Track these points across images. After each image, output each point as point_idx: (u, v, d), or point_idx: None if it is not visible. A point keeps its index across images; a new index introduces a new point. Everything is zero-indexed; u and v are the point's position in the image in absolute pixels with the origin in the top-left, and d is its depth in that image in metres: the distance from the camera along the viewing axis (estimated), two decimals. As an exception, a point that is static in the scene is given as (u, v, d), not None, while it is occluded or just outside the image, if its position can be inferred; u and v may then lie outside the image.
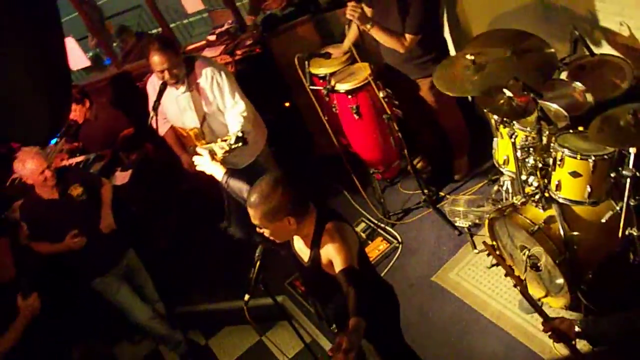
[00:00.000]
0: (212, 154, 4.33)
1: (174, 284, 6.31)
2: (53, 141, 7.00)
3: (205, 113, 5.24)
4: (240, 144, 4.42)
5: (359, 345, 2.83)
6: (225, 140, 4.45)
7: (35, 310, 4.64)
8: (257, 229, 3.44)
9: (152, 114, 5.16)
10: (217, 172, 4.12)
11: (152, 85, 5.37)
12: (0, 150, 7.11)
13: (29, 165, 5.01)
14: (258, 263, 3.86)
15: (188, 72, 5.17)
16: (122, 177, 6.08)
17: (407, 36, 5.04)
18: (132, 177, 6.07)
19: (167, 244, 6.38)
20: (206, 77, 5.16)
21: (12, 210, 6.06)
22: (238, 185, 3.94)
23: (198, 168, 4.27)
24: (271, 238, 3.48)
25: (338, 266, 3.21)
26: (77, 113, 6.59)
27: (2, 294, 4.84)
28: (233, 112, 5.14)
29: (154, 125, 5.21)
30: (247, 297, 3.88)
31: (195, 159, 4.27)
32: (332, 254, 3.29)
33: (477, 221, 5.33)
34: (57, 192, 5.21)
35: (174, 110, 5.33)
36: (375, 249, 5.65)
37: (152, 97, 5.36)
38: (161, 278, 6.06)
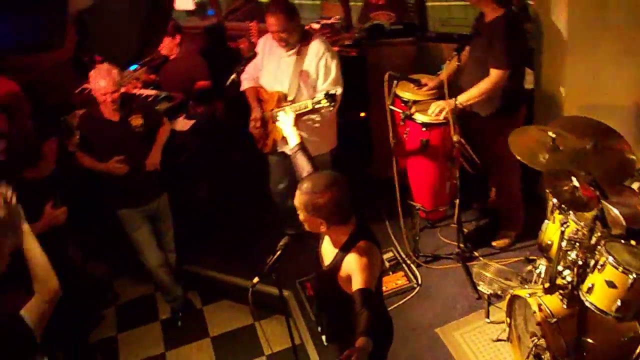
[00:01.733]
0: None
1: (192, 241, 6.38)
2: (134, 67, 7.11)
3: (300, 84, 5.27)
4: (328, 103, 4.43)
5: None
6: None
7: (58, 222, 4.72)
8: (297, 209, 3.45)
9: (234, 75, 5.23)
10: (292, 138, 4.15)
11: (264, 42, 5.49)
12: (83, 58, 7.26)
13: (101, 83, 5.08)
14: (279, 252, 3.88)
15: (302, 41, 5.25)
16: (183, 124, 6.14)
17: (492, 71, 5.02)
18: (193, 128, 6.12)
19: (202, 203, 6.41)
20: (317, 52, 5.22)
21: (72, 116, 6.17)
22: (302, 162, 3.99)
23: (278, 124, 4.34)
24: (303, 223, 3.49)
25: (357, 284, 3.18)
26: (166, 45, 6.67)
27: (35, 191, 4.94)
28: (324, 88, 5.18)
29: (232, 86, 5.29)
30: (256, 279, 3.89)
31: (280, 114, 4.31)
32: (354, 271, 3.26)
33: (499, 292, 5.26)
34: (119, 115, 5.28)
35: (272, 69, 5.40)
36: (394, 282, 5.61)
37: (259, 55, 5.48)
38: (183, 231, 6.13)
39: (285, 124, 4.26)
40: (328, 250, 3.60)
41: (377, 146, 6.55)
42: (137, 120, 5.34)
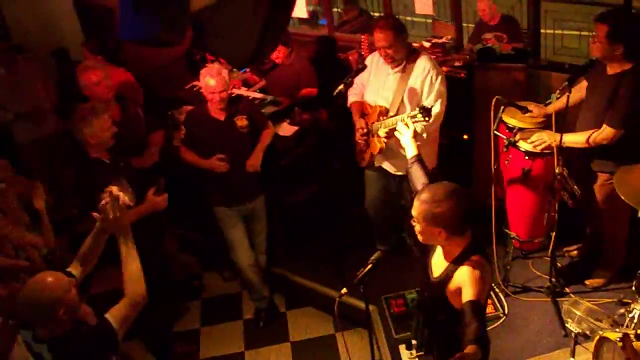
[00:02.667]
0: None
1: (284, 244, 6.46)
2: (242, 69, 7.27)
3: (403, 100, 5.27)
4: (422, 117, 4.44)
5: None
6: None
7: (159, 208, 4.88)
8: (412, 220, 3.45)
9: (341, 86, 5.27)
10: (410, 149, 4.18)
11: (372, 59, 5.51)
12: (195, 56, 7.47)
13: (211, 82, 5.21)
14: (370, 265, 3.90)
15: (408, 58, 5.26)
16: (287, 129, 6.21)
17: (605, 127, 4.87)
18: (296, 134, 6.18)
19: (298, 208, 6.47)
20: (423, 69, 5.22)
21: (179, 112, 6.35)
22: (418, 174, 3.99)
23: (396, 134, 4.37)
24: (417, 234, 3.48)
25: (468, 296, 3.19)
26: (278, 54, 6.80)
27: (139, 178, 5.11)
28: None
29: (338, 96, 5.33)
30: (344, 290, 3.92)
31: (399, 125, 4.33)
32: (466, 284, 3.27)
33: (587, 332, 5.10)
34: (225, 115, 5.41)
35: (377, 85, 5.41)
36: (480, 308, 5.53)
37: (366, 70, 5.51)
38: (276, 233, 6.23)
39: (404, 135, 4.27)
40: (438, 262, 3.59)
41: (477, 170, 6.47)
42: (242, 121, 5.45)
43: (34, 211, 5.26)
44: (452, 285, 3.39)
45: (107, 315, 3.44)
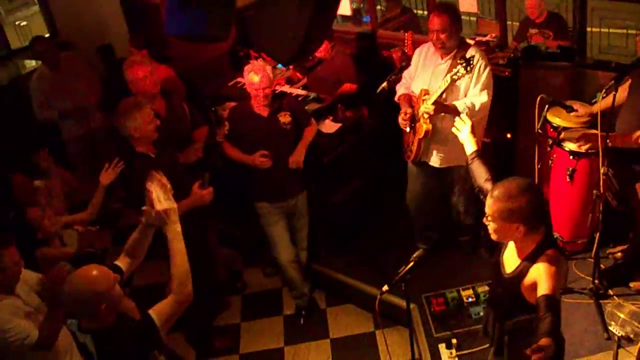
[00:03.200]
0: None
1: (325, 241, 6.47)
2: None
3: (449, 86, 5.20)
4: (464, 70, 4.44)
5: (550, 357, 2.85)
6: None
7: (204, 202, 4.93)
8: (485, 219, 3.46)
9: (385, 83, 5.27)
10: (469, 145, 4.17)
11: (420, 51, 5.50)
12: (239, 52, 7.52)
13: (254, 78, 5.24)
14: (412, 263, 3.91)
15: (458, 49, 5.24)
16: (330, 126, 6.22)
17: None
18: (339, 131, 6.19)
19: (340, 206, 6.48)
20: (473, 57, 5.16)
21: (223, 108, 6.40)
22: (480, 170, 3.98)
23: (453, 130, 4.33)
24: (491, 233, 3.48)
25: (543, 290, 3.20)
26: (321, 50, 6.80)
27: (185, 173, 5.16)
28: (474, 96, 5.16)
29: (381, 93, 5.33)
30: (385, 287, 3.94)
31: (457, 121, 4.32)
32: (541, 278, 3.27)
33: (631, 336, 5.05)
34: (268, 111, 5.43)
35: (426, 75, 5.39)
36: (520, 309, 5.49)
37: (412, 64, 5.52)
38: (317, 230, 6.25)
39: (462, 132, 4.26)
40: (511, 259, 3.59)
41: (520, 170, 6.42)
42: (285, 118, 5.47)
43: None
44: (528, 280, 3.39)
45: (150, 312, 3.47)
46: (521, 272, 3.44)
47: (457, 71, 4.72)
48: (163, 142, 5.03)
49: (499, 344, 3.88)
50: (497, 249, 3.76)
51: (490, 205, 3.38)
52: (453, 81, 4.94)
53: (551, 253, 3.37)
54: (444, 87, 5.03)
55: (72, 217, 5.36)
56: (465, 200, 5.75)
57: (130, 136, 4.87)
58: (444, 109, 5.12)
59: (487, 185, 3.82)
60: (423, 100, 5.26)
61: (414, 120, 5.41)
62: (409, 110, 5.39)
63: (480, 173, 3.96)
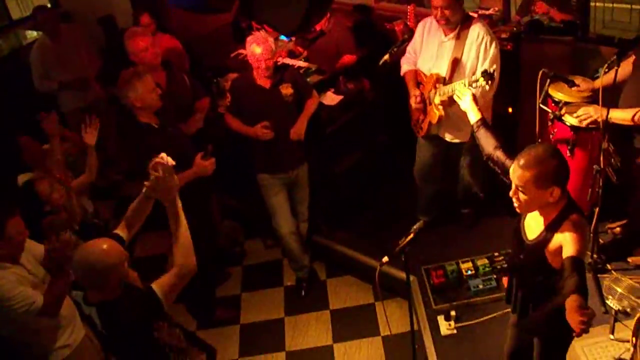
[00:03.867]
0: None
1: (326, 213, 6.49)
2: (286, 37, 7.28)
3: (458, 67, 5.24)
4: (485, 82, 4.41)
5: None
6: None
7: (207, 173, 4.95)
8: (512, 193, 3.45)
9: (386, 56, 5.26)
10: (472, 114, 4.19)
11: (423, 26, 5.47)
12: (242, 24, 7.50)
13: (257, 49, 5.22)
14: (412, 235, 3.93)
15: (462, 25, 5.22)
16: (331, 98, 6.22)
17: None
18: (340, 103, 6.19)
19: (340, 177, 6.50)
20: (478, 35, 5.17)
21: (225, 79, 6.40)
22: (487, 138, 4.00)
23: (455, 98, 4.39)
24: (516, 205, 3.49)
25: (569, 253, 3.23)
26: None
27: (186, 144, 5.17)
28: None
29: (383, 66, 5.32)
30: (385, 258, 3.96)
31: (459, 89, 4.36)
32: (567, 241, 3.30)
33: (628, 310, 5.08)
34: (270, 83, 5.41)
35: (430, 53, 5.39)
36: (520, 282, 5.51)
37: (416, 39, 5.50)
38: (318, 202, 6.27)
39: (464, 100, 4.27)
40: (533, 225, 3.62)
41: (522, 144, 6.37)
42: (287, 89, 5.46)
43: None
44: (553, 245, 3.42)
45: (153, 285, 3.50)
46: (545, 238, 3.47)
47: (478, 81, 4.67)
48: (164, 113, 5.02)
49: (523, 310, 3.92)
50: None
51: (520, 176, 3.35)
52: (469, 87, 4.87)
53: (575, 217, 3.39)
54: (459, 89, 4.98)
55: (74, 181, 5.38)
56: (474, 171, 5.76)
57: (133, 106, 4.87)
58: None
59: (497, 153, 3.85)
60: (435, 87, 5.27)
61: (424, 100, 5.41)
62: (418, 93, 5.40)
63: (487, 141, 3.97)
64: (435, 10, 5.17)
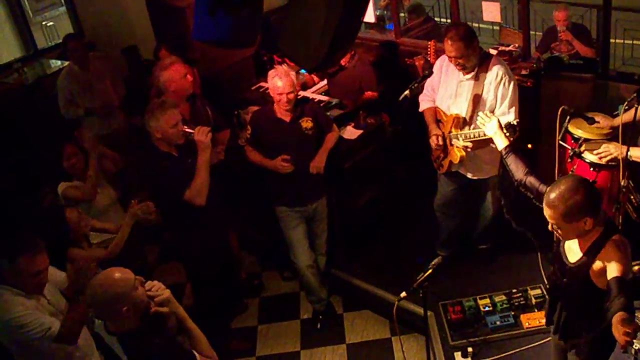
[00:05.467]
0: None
1: (344, 247, 6.47)
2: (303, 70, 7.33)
3: (476, 107, 5.25)
4: (508, 134, 4.43)
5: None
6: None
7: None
8: (550, 227, 3.53)
9: (407, 91, 5.30)
10: (499, 141, 4.25)
11: (441, 63, 5.51)
12: (263, 57, 7.57)
13: (278, 83, 5.26)
14: (430, 270, 3.93)
15: (480, 64, 5.24)
16: (351, 132, 6.23)
17: None
18: (360, 138, 6.21)
19: (360, 211, 6.50)
20: (496, 75, 5.20)
21: (245, 112, 6.45)
22: (518, 163, 4.04)
23: (479, 123, 4.45)
24: (560, 236, 3.59)
25: (614, 273, 3.28)
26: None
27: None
28: (502, 120, 5.15)
29: (403, 101, 5.36)
30: (404, 293, 3.96)
31: (480, 118, 4.42)
32: (611, 262, 3.36)
33: (648, 350, 5.03)
34: (290, 116, 5.45)
35: (449, 92, 5.42)
36: (538, 319, 5.43)
37: (435, 75, 5.54)
38: (337, 235, 6.27)
39: (490, 127, 4.34)
40: (574, 248, 3.67)
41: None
42: (307, 123, 5.50)
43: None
44: (596, 267, 3.46)
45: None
46: (588, 262, 3.51)
47: (505, 128, 4.70)
48: (186, 144, 5.07)
49: (568, 331, 3.97)
50: (552, 242, 3.83)
51: (550, 215, 3.45)
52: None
53: (617, 238, 3.46)
54: (479, 135, 5.04)
55: (102, 225, 5.46)
56: (498, 205, 5.75)
57: (152, 135, 4.94)
58: (478, 143, 5.19)
59: (529, 179, 3.91)
60: (456, 128, 5.31)
61: (444, 139, 5.44)
62: (440, 133, 5.44)
63: (518, 167, 4.02)
64: (450, 60, 5.24)
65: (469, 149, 5.26)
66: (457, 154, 5.35)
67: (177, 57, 5.93)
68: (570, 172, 5.39)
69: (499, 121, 4.34)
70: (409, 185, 6.81)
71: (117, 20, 8.45)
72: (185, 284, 6.20)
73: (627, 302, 3.08)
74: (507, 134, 4.37)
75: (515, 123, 4.58)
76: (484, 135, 4.69)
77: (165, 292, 3.56)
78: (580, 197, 3.34)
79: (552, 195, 3.41)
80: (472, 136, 5.15)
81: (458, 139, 5.23)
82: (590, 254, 3.50)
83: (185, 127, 4.97)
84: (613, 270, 3.29)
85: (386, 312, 5.80)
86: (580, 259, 3.58)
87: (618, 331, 2.93)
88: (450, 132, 5.37)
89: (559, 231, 3.50)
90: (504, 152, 4.16)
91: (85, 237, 5.12)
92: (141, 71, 7.91)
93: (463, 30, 5.13)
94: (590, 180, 5.12)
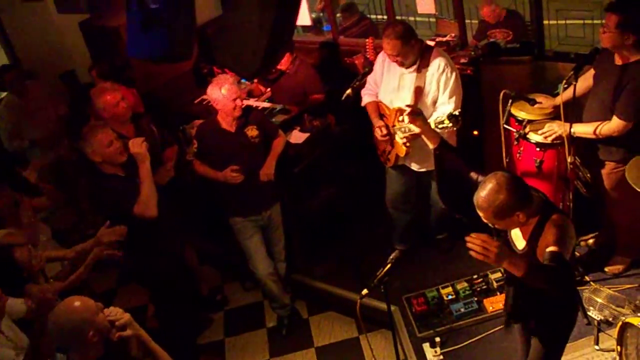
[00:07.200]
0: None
1: (303, 251, 6.46)
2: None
3: (419, 100, 5.27)
4: (451, 124, 4.46)
5: (501, 260, 3.09)
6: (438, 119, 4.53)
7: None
8: (490, 224, 3.57)
9: (349, 90, 5.32)
10: (429, 142, 4.24)
11: (383, 57, 5.52)
12: (203, 70, 7.53)
13: (224, 91, 5.22)
14: (389, 265, 3.95)
15: (422, 57, 5.28)
16: (298, 136, 6.23)
17: (615, 119, 4.84)
18: (307, 141, 6.21)
19: (314, 214, 6.50)
20: (438, 67, 5.24)
21: (190, 126, 6.40)
22: (451, 159, 4.17)
23: (409, 120, 4.37)
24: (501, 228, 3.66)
25: (549, 248, 3.34)
26: (283, 63, 6.83)
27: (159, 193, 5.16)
28: (442, 109, 5.18)
29: (347, 100, 5.37)
30: (365, 291, 3.97)
31: (408, 114, 4.36)
32: (549, 239, 3.41)
33: (610, 319, 5.11)
34: (235, 126, 5.42)
35: (392, 86, 5.44)
36: (500, 303, 5.48)
37: (376, 70, 5.56)
38: (294, 241, 6.27)
39: (422, 126, 4.30)
40: (520, 235, 3.72)
41: (489, 165, 6.49)
42: (252, 131, 5.47)
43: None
44: (540, 250, 3.50)
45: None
46: (532, 247, 3.57)
47: (443, 122, 4.71)
48: (131, 163, 5.01)
49: (517, 313, 4.06)
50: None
51: (483, 216, 3.51)
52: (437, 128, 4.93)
53: (555, 217, 3.50)
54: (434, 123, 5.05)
55: (57, 253, 5.33)
56: None
57: (93, 160, 4.88)
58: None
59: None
60: (399, 121, 5.30)
61: (389, 132, 5.46)
62: (382, 124, 5.45)
63: (452, 162, 4.14)
64: (389, 57, 5.27)
65: (408, 144, 5.26)
66: (402, 148, 5.38)
67: (111, 81, 5.87)
68: (517, 154, 5.47)
69: (424, 119, 4.34)
70: (362, 182, 6.82)
71: (53, 46, 8.30)
72: (148, 306, 6.13)
73: (554, 271, 3.19)
74: (450, 125, 4.40)
75: (457, 113, 4.61)
76: (448, 120, 4.70)
77: (124, 316, 3.52)
78: (504, 196, 3.39)
79: (479, 199, 3.46)
80: (411, 129, 5.14)
81: (401, 132, 5.24)
82: (533, 240, 3.56)
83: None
84: (550, 245, 3.36)
85: (351, 311, 5.77)
86: (525, 247, 3.64)
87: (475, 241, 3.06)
88: (394, 125, 5.39)
89: (497, 226, 3.57)
90: (436, 151, 4.19)
91: (42, 272, 5.01)
92: (81, 95, 7.80)
93: (400, 29, 5.16)
94: (538, 160, 5.28)
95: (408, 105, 4.57)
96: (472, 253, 3.11)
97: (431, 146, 4.22)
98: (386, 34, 5.16)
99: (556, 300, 3.80)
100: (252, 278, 6.18)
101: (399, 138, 5.21)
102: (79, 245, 5.00)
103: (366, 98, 5.63)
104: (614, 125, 4.84)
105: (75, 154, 7.31)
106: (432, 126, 4.53)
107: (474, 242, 3.08)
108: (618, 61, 4.87)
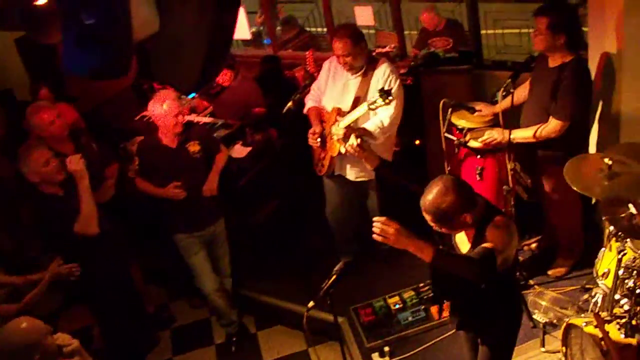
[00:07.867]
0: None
1: (249, 265, 6.42)
2: (190, 95, 7.26)
3: (362, 101, 5.26)
4: (382, 101, 4.47)
5: (404, 242, 3.24)
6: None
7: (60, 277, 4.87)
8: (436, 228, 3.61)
9: (290, 103, 5.32)
10: (370, 163, 4.28)
11: (330, 64, 5.55)
12: (143, 86, 7.44)
13: (165, 106, 5.17)
14: (334, 277, 3.93)
15: (369, 65, 5.33)
16: (240, 151, 6.22)
17: (552, 120, 4.94)
18: (249, 155, 6.20)
19: (258, 228, 6.48)
20: (384, 72, 5.28)
21: (131, 143, 6.32)
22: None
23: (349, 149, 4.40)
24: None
25: (483, 244, 3.39)
26: (224, 77, 6.81)
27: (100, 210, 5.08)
28: (383, 113, 5.20)
29: (287, 113, 5.38)
30: (311, 303, 3.95)
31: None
32: (490, 239, 3.43)
33: (555, 321, 5.18)
34: (177, 141, 5.37)
35: (337, 90, 5.46)
36: (447, 310, 5.50)
37: (322, 76, 5.59)
38: (239, 255, 6.21)
39: (362, 151, 4.34)
40: (464, 239, 3.74)
41: (432, 173, 6.53)
42: (194, 147, 5.43)
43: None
44: None
45: None
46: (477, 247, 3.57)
47: (375, 102, 4.76)
48: (71, 182, 4.94)
49: (463, 320, 4.12)
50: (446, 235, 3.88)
51: (430, 219, 3.54)
52: (370, 110, 4.98)
53: (499, 219, 3.55)
54: (359, 114, 5.07)
55: (6, 279, 5.21)
56: (381, 209, 5.81)
57: (31, 181, 4.80)
58: (355, 132, 5.18)
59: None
60: (336, 120, 5.31)
61: (324, 136, 5.46)
62: (318, 130, 5.45)
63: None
64: (337, 57, 5.29)
65: (347, 138, 5.25)
66: (336, 146, 5.36)
67: (50, 99, 5.77)
68: (459, 163, 5.53)
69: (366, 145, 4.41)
70: (306, 194, 6.82)
71: (-13, 64, 8.16)
72: (93, 327, 6.02)
73: (474, 263, 3.29)
74: (382, 101, 4.50)
75: (387, 88, 4.67)
76: (381, 97, 4.74)
77: (73, 342, 3.46)
78: (450, 198, 3.43)
79: (426, 202, 3.49)
80: (353, 117, 5.16)
81: (339, 126, 5.21)
82: (477, 242, 3.57)
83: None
84: (487, 243, 3.41)
85: (299, 324, 5.76)
86: (469, 250, 3.66)
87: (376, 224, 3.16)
88: (332, 125, 5.38)
89: (443, 230, 3.61)
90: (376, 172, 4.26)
91: None
92: (19, 114, 7.65)
93: (350, 29, 5.26)
94: (479, 168, 5.35)
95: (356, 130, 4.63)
96: (374, 236, 3.20)
97: (370, 167, 4.29)
98: (337, 35, 5.22)
99: (498, 305, 3.84)
100: (199, 295, 6.11)
101: (340, 130, 5.19)
102: (32, 275, 4.92)
103: (310, 103, 5.63)
104: (551, 126, 4.93)
105: (14, 174, 7.17)
106: (366, 108, 4.57)
107: (375, 226, 3.16)
108: (552, 63, 4.98)
